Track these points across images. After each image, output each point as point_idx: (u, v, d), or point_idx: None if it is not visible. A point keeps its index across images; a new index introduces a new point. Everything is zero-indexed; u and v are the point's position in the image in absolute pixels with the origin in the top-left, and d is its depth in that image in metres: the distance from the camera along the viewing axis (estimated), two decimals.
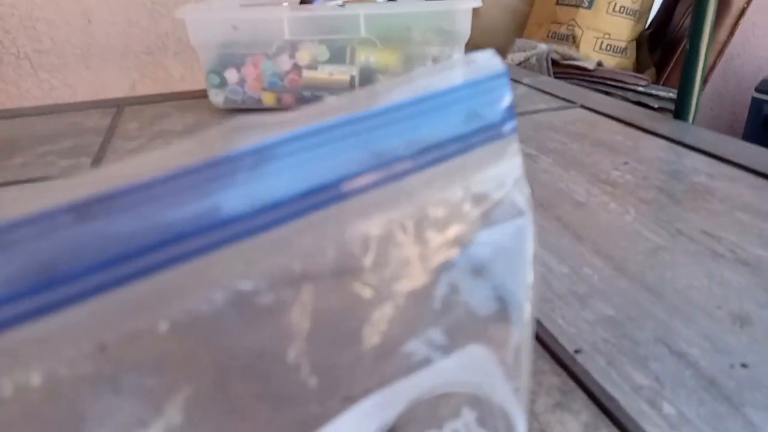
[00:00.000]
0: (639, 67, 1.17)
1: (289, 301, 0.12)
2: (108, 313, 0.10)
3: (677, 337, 0.33)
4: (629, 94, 1.04)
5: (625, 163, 0.56)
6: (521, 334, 0.14)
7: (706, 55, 0.64)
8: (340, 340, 0.12)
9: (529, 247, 0.14)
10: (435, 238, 0.13)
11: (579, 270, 0.40)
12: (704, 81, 0.67)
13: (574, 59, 1.16)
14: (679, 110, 0.66)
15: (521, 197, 0.14)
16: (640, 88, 1.06)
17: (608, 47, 1.16)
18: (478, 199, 0.14)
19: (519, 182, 0.14)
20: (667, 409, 0.28)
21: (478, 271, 0.14)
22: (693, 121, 0.65)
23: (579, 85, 1.09)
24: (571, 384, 0.30)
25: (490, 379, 0.13)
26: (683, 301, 0.36)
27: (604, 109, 0.71)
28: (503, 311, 0.14)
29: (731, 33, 1.09)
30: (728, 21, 1.09)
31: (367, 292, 0.12)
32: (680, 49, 1.17)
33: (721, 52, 1.12)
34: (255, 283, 0.12)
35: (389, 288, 0.13)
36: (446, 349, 0.13)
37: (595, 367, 0.31)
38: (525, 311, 0.14)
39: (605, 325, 0.34)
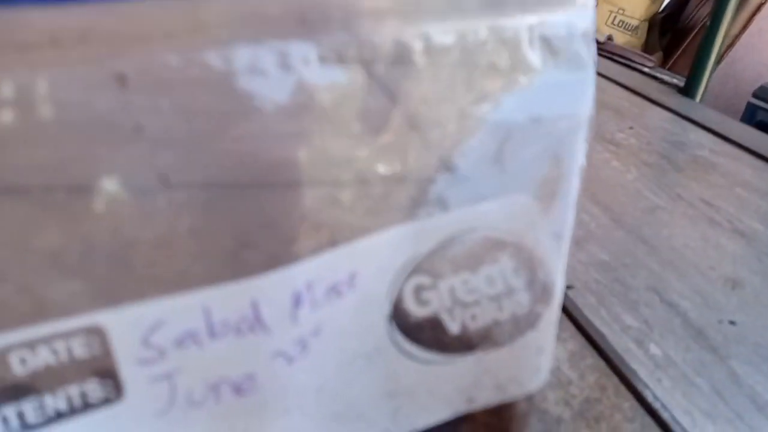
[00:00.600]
0: (647, 49, 1.15)
1: (341, 82, 0.10)
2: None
3: (669, 289, 0.32)
4: (634, 74, 1.03)
5: (630, 128, 0.55)
6: (570, 194, 0.13)
7: (723, 37, 0.63)
8: (376, 144, 0.11)
9: (588, 104, 0.13)
10: (490, 68, 0.12)
11: (577, 216, 0.39)
12: (717, 63, 0.66)
13: None
14: (689, 88, 0.65)
15: (586, 51, 0.13)
16: (646, 69, 1.04)
17: (620, 23, 1.14)
18: (541, 41, 0.12)
19: (587, 35, 0.13)
20: (654, 350, 0.28)
21: (535, 120, 0.12)
22: (700, 101, 0.65)
23: None
24: (561, 315, 0.30)
25: (533, 231, 0.12)
26: (678, 258, 0.35)
27: (613, 75, 0.70)
28: (555, 167, 0.13)
29: (743, 28, 1.08)
30: (743, 15, 1.08)
31: (408, 111, 0.11)
32: (690, 37, 1.16)
33: (730, 46, 1.11)
34: (318, 51, 0.10)
35: (435, 108, 0.12)
36: (490, 193, 0.12)
37: (585, 303, 0.31)
38: (576, 170, 0.13)
39: (598, 268, 0.34)
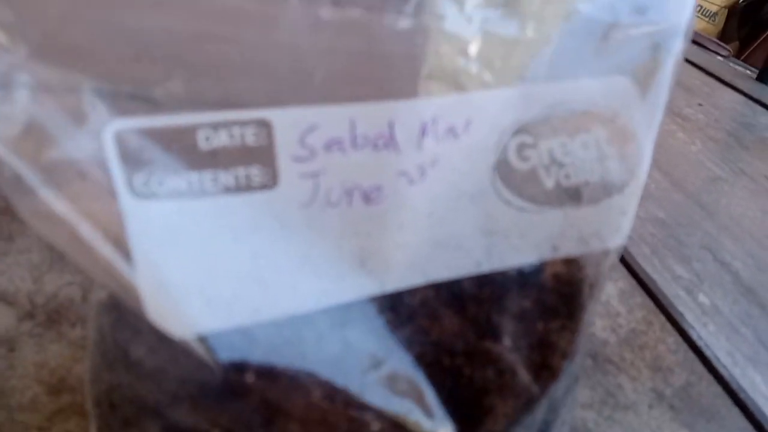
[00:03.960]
0: (723, 38, 1.12)
1: None
2: None
3: (723, 250, 0.33)
4: (709, 56, 1.01)
5: (700, 105, 0.55)
6: (664, 84, 0.14)
7: None
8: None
9: (688, 7, 0.14)
10: None
11: None
12: None
13: None
14: (764, 74, 0.64)
15: None
16: (719, 58, 1.01)
17: (699, 8, 1.11)
18: None
19: None
20: (702, 299, 0.29)
21: (640, 15, 0.14)
22: None
23: None
24: None
25: (628, 110, 0.14)
26: (734, 224, 0.36)
27: (687, 55, 0.69)
28: (654, 58, 0.14)
29: None
30: None
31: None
32: None
33: None
34: None
35: None
36: (593, 71, 0.13)
37: (639, 252, 0.32)
38: (672, 65, 0.14)
39: (655, 224, 0.35)
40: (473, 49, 0.12)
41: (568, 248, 0.13)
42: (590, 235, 0.13)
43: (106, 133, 0.10)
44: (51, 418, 0.16)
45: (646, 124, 0.14)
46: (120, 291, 0.10)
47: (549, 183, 0.13)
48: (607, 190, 0.13)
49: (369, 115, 0.11)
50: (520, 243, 0.13)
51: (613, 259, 0.14)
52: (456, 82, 0.12)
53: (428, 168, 0.12)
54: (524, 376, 0.13)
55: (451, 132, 0.12)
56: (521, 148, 0.13)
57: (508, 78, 0.13)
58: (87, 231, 0.10)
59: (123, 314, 0.12)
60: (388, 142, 0.12)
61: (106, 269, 0.10)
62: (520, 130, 0.13)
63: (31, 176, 0.10)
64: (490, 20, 0.12)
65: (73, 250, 0.10)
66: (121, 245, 0.10)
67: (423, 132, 0.12)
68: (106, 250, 0.10)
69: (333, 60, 0.11)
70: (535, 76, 0.13)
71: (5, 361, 0.17)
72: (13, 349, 0.18)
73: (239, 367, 0.11)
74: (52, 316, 0.19)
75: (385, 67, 0.12)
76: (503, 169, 0.13)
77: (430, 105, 0.12)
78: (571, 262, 0.14)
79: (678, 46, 0.14)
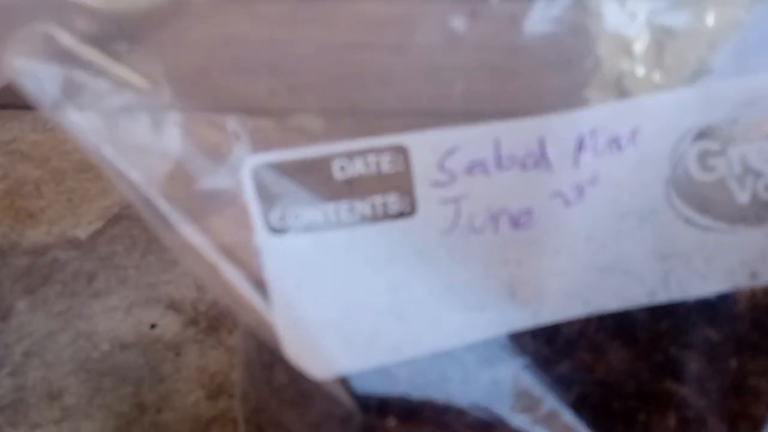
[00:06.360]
0: None
1: None
2: None
3: None
4: None
5: None
6: None
7: None
8: None
9: None
10: None
11: None
12: None
13: None
14: None
15: None
16: None
17: None
18: None
19: None
20: None
21: None
22: None
23: None
24: None
25: None
26: None
27: None
28: None
29: None
30: None
31: None
32: None
33: None
34: None
35: None
36: None
37: None
38: None
39: None
40: (639, 47, 0.10)
41: None
42: None
43: (243, 170, 0.10)
44: (209, 424, 0.17)
45: None
46: (258, 327, 0.10)
47: (743, 197, 0.11)
48: None
49: (515, 133, 0.10)
50: (706, 269, 0.11)
51: None
52: (619, 88, 0.11)
53: (587, 186, 0.11)
54: (717, 426, 0.11)
55: (615, 144, 0.11)
56: (704, 156, 0.11)
57: (684, 76, 0.11)
58: (224, 266, 0.10)
59: None
60: (538, 160, 0.10)
61: (243, 305, 0.10)
62: (701, 136, 0.11)
63: (176, 212, 0.11)
64: (658, 12, 0.10)
65: (213, 285, 0.10)
66: (258, 281, 0.10)
67: (580, 146, 0.10)
68: (242, 285, 0.10)
69: (472, 76, 0.10)
70: (720, 71, 0.11)
71: (173, 364, 0.19)
72: (179, 353, 0.19)
73: (381, 410, 0.10)
74: (212, 323, 0.20)
75: (532, 78, 0.10)
76: (681, 183, 0.11)
77: (588, 116, 0.10)
78: None
79: None
